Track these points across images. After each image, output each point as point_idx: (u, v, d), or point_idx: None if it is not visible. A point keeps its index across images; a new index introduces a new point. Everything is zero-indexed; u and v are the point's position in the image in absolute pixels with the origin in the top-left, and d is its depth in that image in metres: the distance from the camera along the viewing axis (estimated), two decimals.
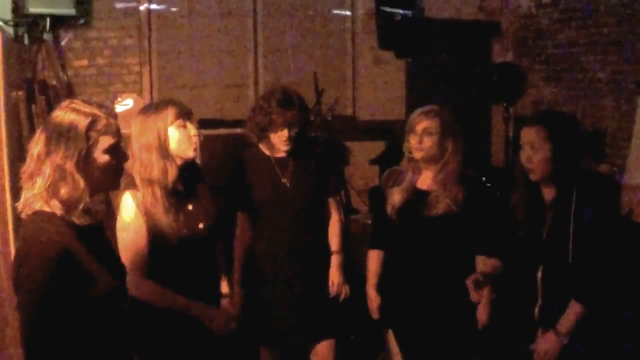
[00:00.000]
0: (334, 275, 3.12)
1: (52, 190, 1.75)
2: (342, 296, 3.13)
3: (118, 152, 1.85)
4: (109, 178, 1.85)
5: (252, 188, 3.06)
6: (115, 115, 1.85)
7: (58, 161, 1.74)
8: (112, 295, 1.82)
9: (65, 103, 1.83)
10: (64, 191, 1.74)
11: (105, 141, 1.80)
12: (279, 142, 2.98)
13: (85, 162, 1.76)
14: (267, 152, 3.07)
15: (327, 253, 3.15)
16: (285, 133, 2.94)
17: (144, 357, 2.18)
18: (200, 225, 2.55)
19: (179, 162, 2.48)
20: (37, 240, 1.70)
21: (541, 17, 5.40)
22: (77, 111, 1.78)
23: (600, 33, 4.80)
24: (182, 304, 2.47)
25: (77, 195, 1.76)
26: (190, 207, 2.54)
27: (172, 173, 2.45)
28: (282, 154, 3.05)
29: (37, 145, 1.77)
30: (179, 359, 2.48)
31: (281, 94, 2.97)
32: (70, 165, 1.74)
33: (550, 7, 5.29)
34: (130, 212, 2.41)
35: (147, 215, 2.41)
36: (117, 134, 1.84)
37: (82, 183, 1.75)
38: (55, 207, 1.77)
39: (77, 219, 1.79)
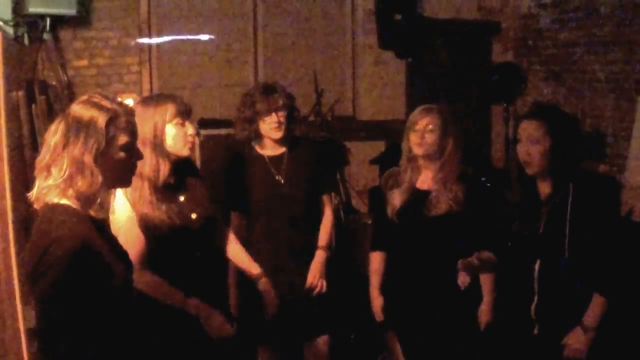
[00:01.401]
0: (314, 271, 3.08)
1: (69, 182, 1.75)
2: (317, 290, 3.07)
3: (133, 151, 1.86)
4: (122, 175, 1.87)
5: (247, 187, 3.06)
6: (133, 114, 1.86)
7: (76, 153, 1.73)
8: (127, 287, 1.85)
9: (85, 97, 1.83)
10: (80, 184, 1.74)
11: (123, 138, 1.81)
12: (270, 129, 2.99)
13: (102, 156, 1.76)
14: (261, 151, 3.08)
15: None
16: (273, 118, 2.96)
17: (142, 352, 2.17)
18: (193, 216, 2.52)
19: (172, 158, 2.46)
20: (58, 233, 1.70)
21: (541, 17, 5.40)
22: (98, 106, 1.78)
23: (600, 33, 4.80)
24: (179, 299, 2.42)
25: (94, 189, 1.76)
26: (182, 198, 2.52)
27: (164, 171, 2.43)
28: (276, 152, 3.06)
29: (54, 135, 1.76)
30: (177, 357, 2.46)
31: (261, 84, 3.07)
32: (88, 159, 1.74)
33: (550, 7, 5.29)
34: (121, 205, 2.39)
35: (136, 207, 2.40)
36: (134, 132, 1.85)
37: (99, 177, 1.75)
38: (72, 200, 1.77)
39: (94, 213, 1.80)
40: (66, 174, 1.73)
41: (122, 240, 2.26)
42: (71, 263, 1.67)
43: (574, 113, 4.92)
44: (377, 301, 3.04)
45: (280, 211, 3.05)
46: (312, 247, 3.11)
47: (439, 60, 5.56)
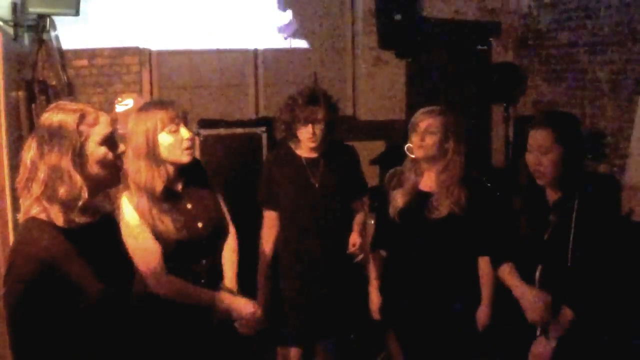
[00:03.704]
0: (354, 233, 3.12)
1: (49, 192, 1.71)
2: (354, 248, 3.05)
3: (113, 143, 1.83)
4: (109, 172, 1.83)
5: (280, 187, 3.07)
6: (100, 109, 1.84)
7: (53, 161, 1.71)
8: (105, 302, 1.78)
9: (51, 106, 1.81)
10: (62, 190, 1.71)
11: (98, 133, 1.78)
12: (305, 138, 2.99)
13: (80, 157, 1.74)
14: (298, 152, 3.09)
15: (350, 254, 3.10)
16: (309, 129, 2.96)
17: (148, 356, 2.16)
18: (200, 224, 2.49)
19: (172, 167, 2.42)
20: (20, 253, 1.68)
21: (541, 17, 5.40)
22: (65, 110, 1.77)
23: (600, 33, 4.80)
24: (208, 297, 2.43)
25: (76, 193, 1.72)
26: (189, 206, 2.49)
27: (160, 182, 2.38)
28: (313, 155, 3.07)
29: (29, 151, 1.74)
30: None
31: (307, 91, 3.02)
32: (65, 163, 1.71)
33: (550, 7, 5.29)
34: (130, 215, 2.37)
35: (143, 218, 2.38)
36: (109, 124, 1.82)
37: (79, 179, 1.72)
38: (52, 212, 1.74)
39: (77, 218, 1.76)
40: (45, 184, 1.70)
41: (135, 246, 2.24)
42: (28, 286, 1.64)
43: (574, 113, 4.93)
44: (375, 300, 3.04)
45: (309, 216, 3.05)
46: (334, 257, 3.09)
47: (439, 60, 5.56)
